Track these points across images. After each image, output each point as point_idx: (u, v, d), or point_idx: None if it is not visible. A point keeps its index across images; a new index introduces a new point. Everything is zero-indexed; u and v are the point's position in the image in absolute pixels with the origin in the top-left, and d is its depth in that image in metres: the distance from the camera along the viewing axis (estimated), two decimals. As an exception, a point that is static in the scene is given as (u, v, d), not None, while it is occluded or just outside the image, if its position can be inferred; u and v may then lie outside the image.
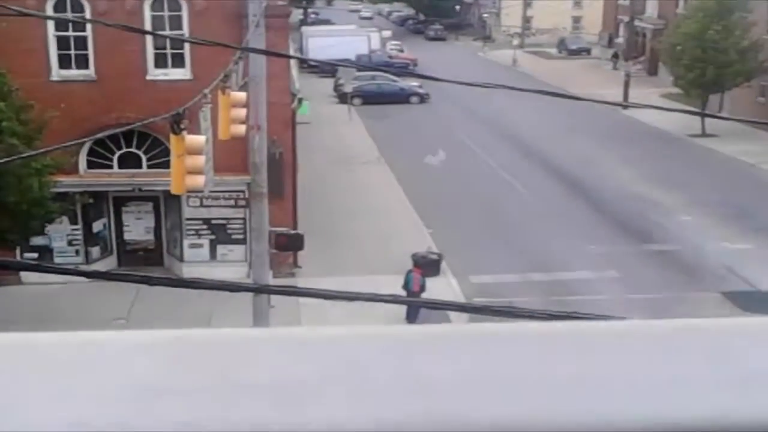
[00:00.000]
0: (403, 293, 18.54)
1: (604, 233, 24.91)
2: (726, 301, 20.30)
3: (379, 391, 0.48)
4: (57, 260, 21.36)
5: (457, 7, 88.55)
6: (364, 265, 21.35)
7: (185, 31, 20.46)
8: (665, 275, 21.59)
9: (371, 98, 45.30)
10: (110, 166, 21.67)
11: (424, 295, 19.07)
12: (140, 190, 22.03)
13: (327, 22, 77.37)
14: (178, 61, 20.97)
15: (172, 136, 12.79)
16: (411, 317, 18.25)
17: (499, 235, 24.55)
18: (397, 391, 0.48)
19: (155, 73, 20.98)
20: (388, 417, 0.46)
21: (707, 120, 35.98)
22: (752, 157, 33.24)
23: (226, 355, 0.51)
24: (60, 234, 21.61)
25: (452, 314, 15.42)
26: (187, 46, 20.27)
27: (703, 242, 23.90)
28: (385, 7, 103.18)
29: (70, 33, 20.71)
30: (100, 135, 16.53)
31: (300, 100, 23.04)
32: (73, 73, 20.90)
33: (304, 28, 62.89)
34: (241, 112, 14.52)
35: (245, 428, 0.44)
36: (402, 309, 18.53)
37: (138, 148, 21.46)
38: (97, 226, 22.44)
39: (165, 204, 22.37)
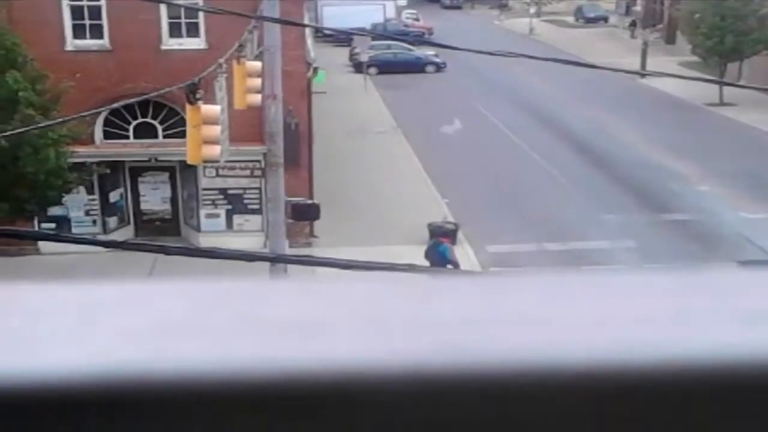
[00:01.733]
0: (425, 263, 18.33)
1: (621, 203, 24.80)
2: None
3: (394, 327, 0.50)
4: (74, 230, 21.47)
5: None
6: (381, 236, 21.34)
7: (200, 0, 20.38)
8: (682, 245, 21.51)
9: (387, 67, 45.07)
10: (126, 137, 21.70)
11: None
12: (156, 160, 22.06)
13: (342, -10, 76.96)
14: (193, 31, 20.91)
15: (188, 106, 12.79)
16: None
17: (515, 204, 24.48)
18: (412, 326, 0.49)
19: (170, 43, 20.94)
20: (403, 349, 0.47)
21: (725, 89, 35.62)
22: (771, 126, 32.96)
23: (244, 298, 0.53)
24: (77, 204, 21.71)
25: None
26: (201, 15, 20.20)
27: (720, 212, 23.76)
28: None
29: (84, 2, 20.67)
30: (115, 105, 16.55)
31: (316, 70, 22.95)
32: (88, 43, 20.88)
33: (319, -3, 62.61)
34: (257, 82, 14.50)
35: (260, 362, 0.45)
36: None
37: (154, 118, 21.47)
38: (113, 196, 22.52)
39: (181, 174, 22.41)
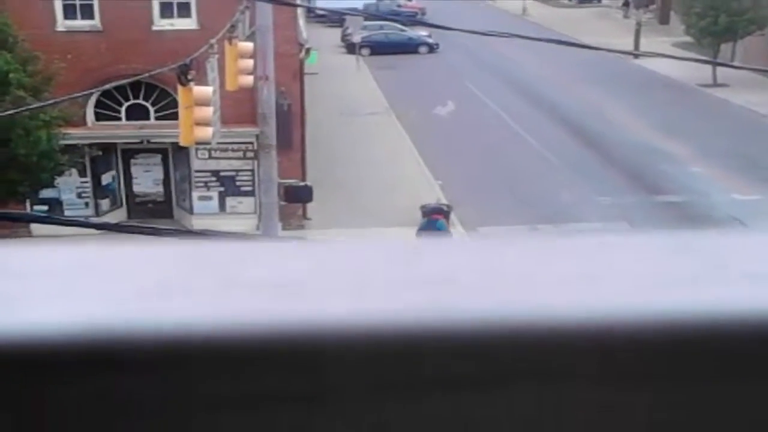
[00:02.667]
0: None
1: (614, 184, 24.82)
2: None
3: (382, 284, 0.50)
4: (67, 213, 21.39)
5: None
6: (374, 217, 21.33)
7: (191, -20, 20.27)
8: (675, 227, 21.43)
9: (379, 48, 44.92)
10: (118, 118, 21.61)
11: None
12: (149, 142, 21.99)
13: (334, -29, 76.61)
14: (184, 11, 20.79)
15: (180, 87, 12.74)
16: None
17: (508, 186, 24.48)
18: (401, 284, 0.49)
19: (161, 23, 20.82)
20: (391, 307, 0.47)
21: (719, 69, 35.58)
22: (764, 107, 32.92)
23: (229, 258, 0.53)
24: (69, 186, 21.64)
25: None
26: (193, -5, 20.08)
27: (713, 193, 23.80)
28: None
29: (75, -17, 20.54)
30: (107, 86, 16.46)
31: (308, 51, 22.86)
32: (79, 23, 20.75)
33: (311, -22, 62.29)
34: (249, 63, 14.44)
35: (246, 319, 0.45)
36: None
37: (146, 99, 21.38)
38: (106, 178, 22.45)
39: (173, 156, 22.34)
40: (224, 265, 0.52)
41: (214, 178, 22.22)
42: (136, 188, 22.88)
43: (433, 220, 19.26)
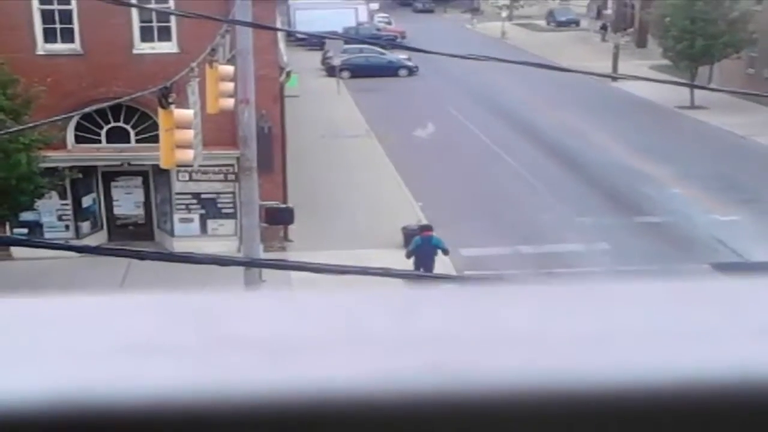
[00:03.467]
0: (403, 266, 17.97)
1: (594, 205, 24.95)
2: (715, 272, 20.38)
3: (379, 343, 0.46)
4: (47, 235, 21.29)
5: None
6: (355, 239, 21.34)
7: (171, 3, 20.30)
8: (655, 247, 21.66)
9: (360, 71, 45.08)
10: (98, 141, 21.55)
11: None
12: (129, 164, 21.92)
13: (315, -6, 76.84)
14: (165, 35, 20.81)
15: (161, 110, 12.74)
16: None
17: (489, 207, 24.56)
18: (397, 343, 0.46)
19: (142, 47, 20.83)
20: (388, 367, 0.44)
21: (696, 92, 35.95)
22: (742, 129, 33.26)
23: (219, 313, 0.49)
24: (49, 209, 21.53)
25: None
26: (173, 19, 20.11)
27: (692, 214, 23.96)
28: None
29: (55, 6, 20.52)
30: (87, 109, 16.45)
31: (288, 74, 22.92)
32: (59, 47, 20.73)
33: (291, 1, 62.47)
34: (229, 86, 14.46)
35: (237, 381, 0.42)
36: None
37: (126, 122, 21.35)
38: (86, 201, 22.36)
39: (154, 179, 22.29)
40: (211, 320, 0.48)
41: (195, 201, 22.18)
42: (116, 210, 22.79)
43: (427, 237, 19.11)
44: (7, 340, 0.45)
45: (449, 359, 0.44)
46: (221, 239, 21.42)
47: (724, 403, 0.43)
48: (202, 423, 0.40)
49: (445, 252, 18.83)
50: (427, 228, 19.74)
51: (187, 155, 13.23)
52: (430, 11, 79.68)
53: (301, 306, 0.51)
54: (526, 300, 0.51)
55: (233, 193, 21.39)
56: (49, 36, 20.65)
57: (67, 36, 20.68)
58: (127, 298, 0.49)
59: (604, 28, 58.76)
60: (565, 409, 0.43)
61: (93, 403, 0.40)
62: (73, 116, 19.19)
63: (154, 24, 20.77)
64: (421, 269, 17.92)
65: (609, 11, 59.19)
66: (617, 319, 0.49)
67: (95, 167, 21.98)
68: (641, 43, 52.84)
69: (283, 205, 18.16)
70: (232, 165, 20.64)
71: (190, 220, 22.27)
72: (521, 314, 0.49)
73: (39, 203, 19.91)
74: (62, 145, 20.59)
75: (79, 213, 22.24)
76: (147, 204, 22.82)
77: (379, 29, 59.11)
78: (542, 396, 0.42)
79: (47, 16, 20.57)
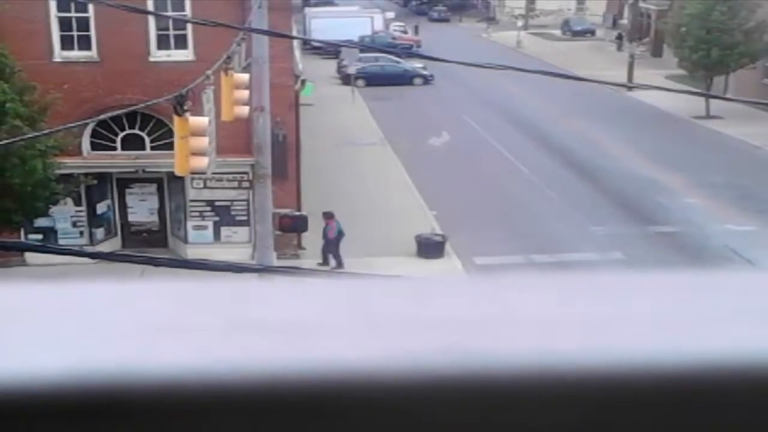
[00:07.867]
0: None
1: (609, 215, 24.87)
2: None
3: (393, 326, 0.47)
4: (61, 241, 21.38)
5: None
6: (368, 247, 21.33)
7: (188, 11, 20.38)
8: (670, 257, 21.58)
9: (375, 80, 45.13)
10: (114, 148, 21.65)
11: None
12: (144, 171, 22.01)
13: (330, 3, 76.94)
14: (181, 43, 20.91)
15: (176, 118, 12.78)
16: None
17: (503, 216, 24.51)
18: (411, 326, 0.47)
19: (158, 55, 20.92)
20: (403, 349, 0.45)
21: (712, 102, 35.81)
22: (757, 139, 33.11)
23: (234, 298, 0.51)
24: (64, 215, 21.62)
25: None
26: (189, 27, 20.20)
27: (707, 224, 23.86)
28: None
29: (73, 14, 20.64)
30: (103, 116, 16.50)
31: (303, 82, 22.98)
32: (76, 54, 20.85)
33: (307, 9, 62.56)
34: (244, 94, 14.50)
35: (251, 363, 0.43)
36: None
37: (141, 129, 21.44)
38: (101, 207, 22.45)
39: (169, 186, 22.36)
40: (228, 305, 0.49)
41: (209, 208, 22.23)
42: (131, 217, 22.87)
43: (330, 223, 21.32)
44: (43, 322, 0.47)
45: (461, 341, 0.45)
46: (235, 247, 21.45)
47: (732, 386, 0.44)
48: (224, 399, 0.42)
49: (328, 241, 20.78)
50: (330, 217, 21.14)
51: (202, 162, 13.26)
52: (446, 20, 79.68)
53: (317, 291, 0.52)
54: (538, 286, 0.53)
55: (247, 200, 21.44)
56: (66, 43, 20.77)
57: (84, 43, 20.79)
58: (154, 284, 0.51)
59: (619, 37, 58.62)
60: (575, 391, 0.43)
61: (121, 379, 0.41)
62: (88, 123, 19.28)
63: (171, 32, 20.87)
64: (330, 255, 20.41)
65: (625, 21, 59.07)
66: (628, 304, 0.50)
67: (110, 174, 22.07)
68: (657, 53, 52.69)
69: (297, 213, 18.19)
70: (246, 172, 20.68)
71: (204, 228, 22.32)
72: (532, 299, 0.50)
73: (54, 209, 20.01)
74: (78, 152, 20.69)
75: (94, 219, 22.33)
76: (161, 211, 22.89)
77: (394, 38, 59.15)
78: (553, 378, 0.43)
79: (65, 24, 20.70)
